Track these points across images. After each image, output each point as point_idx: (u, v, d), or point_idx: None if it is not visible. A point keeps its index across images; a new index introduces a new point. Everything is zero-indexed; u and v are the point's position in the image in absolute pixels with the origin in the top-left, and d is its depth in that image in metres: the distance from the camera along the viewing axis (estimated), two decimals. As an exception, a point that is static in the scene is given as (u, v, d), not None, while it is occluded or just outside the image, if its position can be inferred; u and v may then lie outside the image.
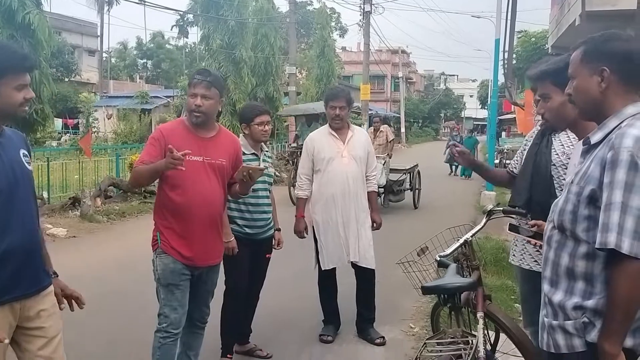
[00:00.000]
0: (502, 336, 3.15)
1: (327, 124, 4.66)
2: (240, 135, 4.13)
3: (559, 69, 2.41)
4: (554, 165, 2.92)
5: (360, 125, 4.30)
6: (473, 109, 74.23)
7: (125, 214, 10.69)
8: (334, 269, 4.63)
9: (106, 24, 47.54)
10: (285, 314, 5.25)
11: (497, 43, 13.01)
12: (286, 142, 21.32)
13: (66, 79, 35.51)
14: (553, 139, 2.98)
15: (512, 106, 19.27)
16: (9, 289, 2.25)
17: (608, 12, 9.41)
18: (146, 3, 20.92)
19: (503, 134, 32.58)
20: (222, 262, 3.58)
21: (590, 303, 1.83)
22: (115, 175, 12.70)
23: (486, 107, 35.21)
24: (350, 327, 4.78)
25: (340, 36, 46.69)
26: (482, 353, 2.76)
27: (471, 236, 3.17)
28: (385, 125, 13.90)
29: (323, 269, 4.58)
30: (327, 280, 4.67)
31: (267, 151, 4.23)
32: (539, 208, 2.84)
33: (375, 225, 4.67)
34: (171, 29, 59.13)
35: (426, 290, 2.91)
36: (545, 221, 2.11)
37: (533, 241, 2.83)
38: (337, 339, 4.65)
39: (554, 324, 1.92)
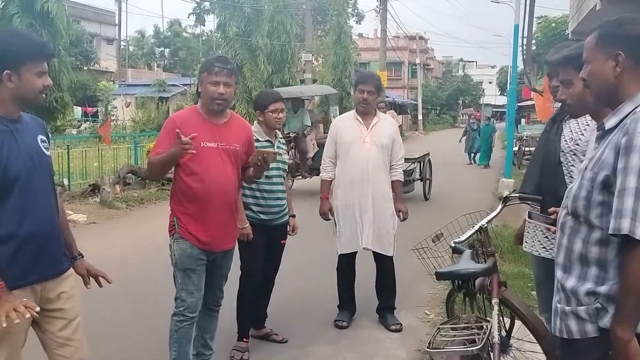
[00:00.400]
0: (517, 323, 3.15)
1: (354, 109, 4.66)
2: (255, 122, 4.15)
3: (582, 55, 2.38)
4: (563, 152, 2.91)
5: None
6: (492, 96, 73.36)
7: (144, 200, 10.83)
8: (354, 255, 4.66)
9: (124, 13, 48.01)
10: (300, 300, 5.30)
11: (516, 29, 12.84)
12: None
13: (85, 68, 35.82)
14: (563, 125, 2.96)
15: (532, 93, 19.04)
16: (30, 272, 2.31)
17: (630, -5, 9.23)
18: (163, -9, 20.93)
19: (522, 120, 32.30)
20: (237, 248, 3.62)
21: (603, 289, 1.83)
22: (133, 162, 12.85)
23: (505, 94, 34.82)
24: (365, 314, 4.82)
25: (356, 22, 46.16)
26: (496, 338, 2.76)
27: (487, 222, 3.16)
28: (392, 111, 13.70)
29: (339, 252, 4.63)
30: (346, 267, 4.70)
31: (281, 138, 4.25)
32: (548, 195, 2.83)
33: (401, 214, 4.65)
34: (188, 17, 59.33)
35: (440, 276, 2.91)
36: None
37: (553, 228, 2.81)
38: (352, 325, 4.68)
39: (566, 310, 1.92)
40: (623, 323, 1.74)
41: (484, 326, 2.81)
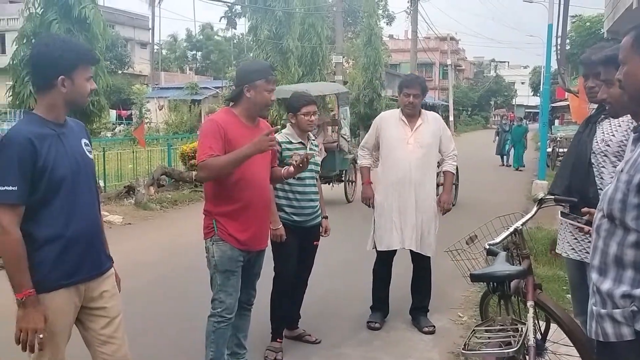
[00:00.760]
0: (553, 326, 3.12)
1: (400, 109, 4.64)
2: (287, 124, 4.20)
3: None
4: (594, 153, 2.89)
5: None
6: (525, 96, 72.24)
7: (177, 202, 11.01)
8: (392, 256, 4.66)
9: (157, 17, 48.67)
10: (333, 301, 5.33)
11: (550, 28, 12.66)
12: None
13: (119, 71, 36.53)
14: (597, 127, 2.94)
15: (566, 93, 18.71)
16: (75, 272, 2.40)
17: (668, -7, 9.03)
18: (195, -5, 21.23)
19: (556, 121, 31.74)
20: (270, 249, 3.67)
21: (638, 292, 1.81)
22: (167, 164, 13.06)
23: (538, 95, 34.27)
24: (398, 315, 4.82)
25: (387, 24, 46.04)
26: (532, 341, 2.75)
27: (522, 224, 3.14)
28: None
29: (369, 248, 4.66)
30: (382, 267, 4.70)
31: (313, 140, 4.29)
32: (577, 195, 2.81)
33: (444, 205, 4.62)
34: (219, 21, 59.87)
35: (475, 278, 2.91)
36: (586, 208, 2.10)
37: (587, 228, 2.79)
38: (385, 326, 4.69)
39: (602, 313, 1.91)
40: (660, 326, 1.73)
41: (520, 329, 2.81)
